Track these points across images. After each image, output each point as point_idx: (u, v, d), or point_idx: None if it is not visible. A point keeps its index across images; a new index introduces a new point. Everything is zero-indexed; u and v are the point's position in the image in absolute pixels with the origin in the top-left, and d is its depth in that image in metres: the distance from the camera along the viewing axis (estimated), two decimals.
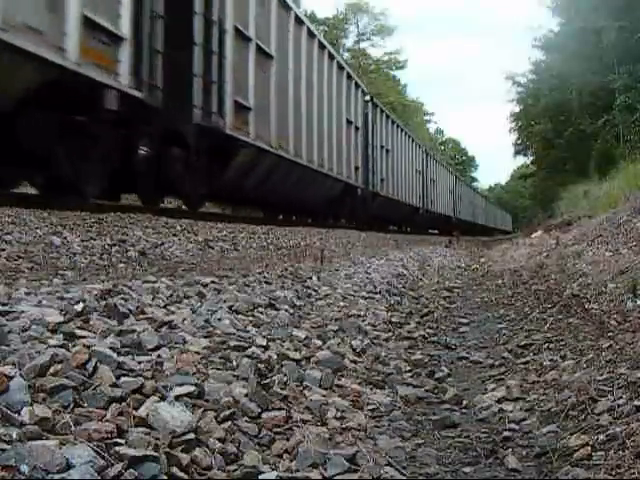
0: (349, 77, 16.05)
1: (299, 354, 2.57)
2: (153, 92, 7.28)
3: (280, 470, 1.60)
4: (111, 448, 1.36)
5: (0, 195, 6.11)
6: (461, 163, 77.24)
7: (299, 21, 12.30)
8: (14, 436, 1.30)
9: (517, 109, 37.44)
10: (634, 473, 1.57)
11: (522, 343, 3.36)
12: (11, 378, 1.49)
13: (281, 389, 2.10)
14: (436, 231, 30.02)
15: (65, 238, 5.05)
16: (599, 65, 25.45)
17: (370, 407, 2.28)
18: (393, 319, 4.14)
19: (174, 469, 1.41)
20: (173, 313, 2.62)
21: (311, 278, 4.70)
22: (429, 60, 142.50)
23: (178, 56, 7.83)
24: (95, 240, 5.31)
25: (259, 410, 1.87)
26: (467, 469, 1.81)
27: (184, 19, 8.07)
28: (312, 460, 1.65)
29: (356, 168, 16.62)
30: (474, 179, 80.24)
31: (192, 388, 1.76)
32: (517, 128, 37.89)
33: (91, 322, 2.15)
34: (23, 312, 2.07)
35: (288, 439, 1.78)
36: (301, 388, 2.22)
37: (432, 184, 28.96)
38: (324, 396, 2.20)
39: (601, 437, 1.83)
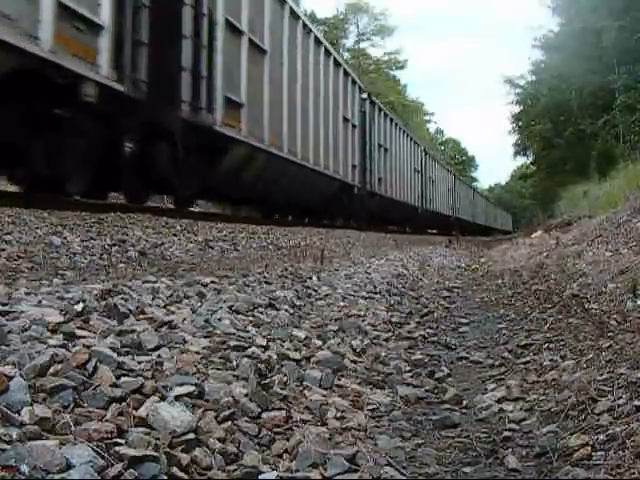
0: (416, 143, 27.64)
1: (299, 354, 2.57)
2: None
3: (280, 470, 1.60)
4: (111, 448, 1.36)
5: (1, 195, 6.10)
6: (461, 163, 77.17)
7: (394, 122, 23.32)
8: (14, 436, 1.30)
9: (517, 110, 37.47)
10: (634, 473, 1.57)
11: (522, 343, 3.35)
12: (11, 378, 1.49)
13: (281, 389, 2.10)
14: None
15: (65, 238, 5.05)
16: (599, 65, 25.46)
17: (370, 407, 2.28)
18: (393, 319, 4.14)
19: (174, 469, 1.41)
20: (173, 313, 2.62)
21: (311, 278, 4.70)
22: (429, 60, 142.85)
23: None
24: (95, 240, 5.31)
25: (259, 410, 1.86)
26: (467, 469, 1.80)
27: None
28: (312, 460, 1.65)
29: (418, 196, 26.91)
30: (474, 179, 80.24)
31: (192, 388, 1.76)
32: (517, 129, 37.88)
33: (91, 322, 2.15)
34: (23, 312, 2.07)
35: (288, 439, 1.77)
36: (301, 388, 2.22)
37: (458, 198, 38.95)
38: (324, 396, 2.20)
39: (601, 437, 1.83)
